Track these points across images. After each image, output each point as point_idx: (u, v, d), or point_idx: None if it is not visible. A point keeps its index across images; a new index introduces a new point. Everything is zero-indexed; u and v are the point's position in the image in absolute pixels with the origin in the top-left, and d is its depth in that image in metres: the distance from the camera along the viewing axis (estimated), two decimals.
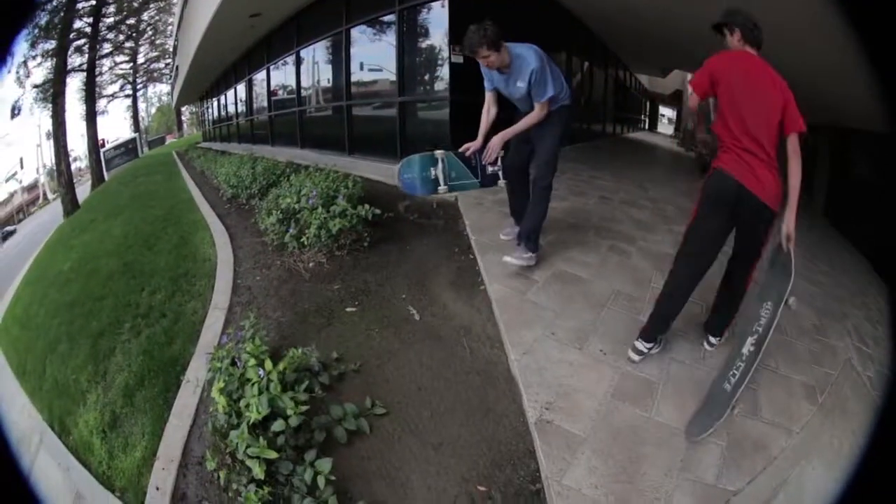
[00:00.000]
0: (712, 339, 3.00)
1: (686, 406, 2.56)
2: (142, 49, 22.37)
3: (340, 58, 8.52)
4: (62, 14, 15.78)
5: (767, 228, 2.61)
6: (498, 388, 2.77)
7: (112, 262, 7.09)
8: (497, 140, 3.51)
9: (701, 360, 2.94)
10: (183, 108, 28.19)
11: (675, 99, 22.84)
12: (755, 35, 2.60)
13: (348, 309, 3.43)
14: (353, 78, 8.38)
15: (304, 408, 2.46)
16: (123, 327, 4.82)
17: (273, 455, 2.27)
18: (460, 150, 3.70)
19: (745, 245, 2.74)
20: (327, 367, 2.87)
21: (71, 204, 16.56)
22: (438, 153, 3.74)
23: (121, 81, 22.50)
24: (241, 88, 15.60)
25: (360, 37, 8.10)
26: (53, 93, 16.16)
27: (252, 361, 2.64)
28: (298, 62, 10.51)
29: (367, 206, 4.17)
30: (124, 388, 3.87)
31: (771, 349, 2.75)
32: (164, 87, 23.84)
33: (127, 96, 23.31)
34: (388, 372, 2.94)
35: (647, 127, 25.87)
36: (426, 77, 7.14)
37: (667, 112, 27.87)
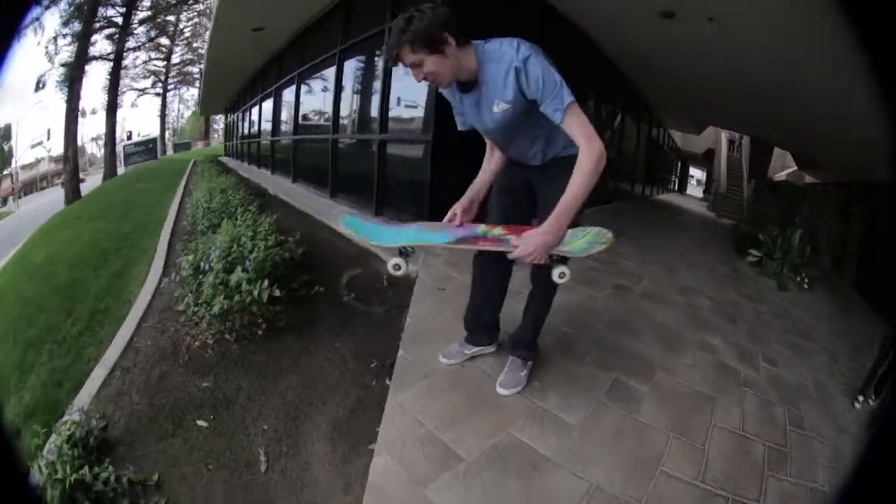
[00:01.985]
0: None
1: None
2: (177, 50, 22.78)
3: (331, 85, 7.91)
4: None
5: None
6: None
7: (65, 272, 7.41)
8: (539, 243, 1.98)
9: None
10: (217, 117, 28.73)
11: (707, 159, 22.25)
12: None
13: (199, 422, 2.61)
14: (343, 109, 7.66)
15: None
16: (44, 348, 5.02)
17: None
18: (445, 219, 2.34)
19: None
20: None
21: (73, 193, 16.57)
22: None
23: (152, 78, 22.86)
24: (254, 108, 15.48)
25: (353, 64, 7.45)
26: (70, 77, 16.26)
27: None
28: (298, 86, 9.97)
29: (264, 285, 3.11)
30: (24, 411, 4.02)
31: None
32: (196, 92, 24.23)
33: (157, 94, 23.63)
34: None
35: (676, 188, 25.24)
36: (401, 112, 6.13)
37: (696, 173, 27.34)
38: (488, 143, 2.44)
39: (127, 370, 3.24)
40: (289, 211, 7.18)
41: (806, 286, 6.40)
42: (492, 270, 2.56)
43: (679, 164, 25.61)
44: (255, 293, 3.05)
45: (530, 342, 2.59)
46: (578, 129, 1.94)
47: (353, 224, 2.47)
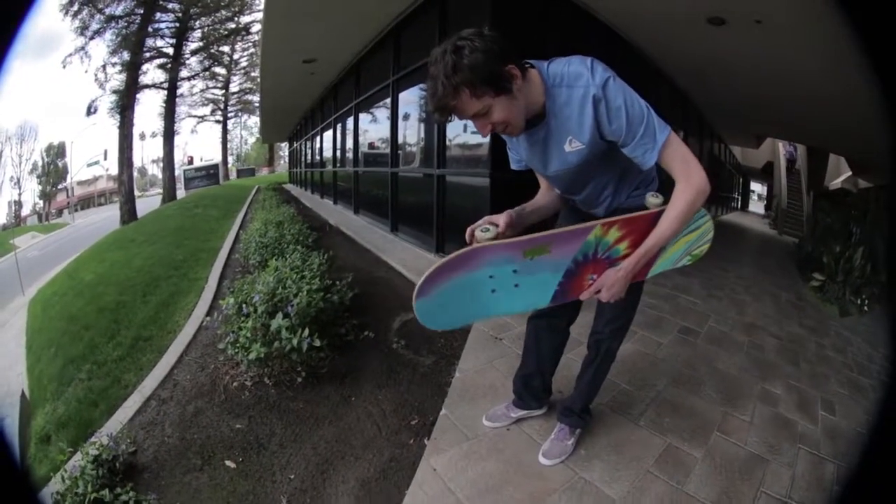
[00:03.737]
0: None
1: None
2: (235, 79, 24.10)
3: (387, 116, 8.10)
4: (136, 30, 17.12)
5: None
6: None
7: (113, 294, 8.12)
8: (621, 278, 1.79)
9: None
10: (282, 144, 30.06)
11: (766, 172, 21.55)
12: None
13: (227, 462, 2.71)
14: (400, 138, 7.84)
15: None
16: (84, 367, 5.46)
17: None
18: (474, 226, 1.81)
19: None
20: None
21: (128, 214, 17.73)
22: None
23: (211, 106, 24.21)
24: (316, 137, 16.08)
25: (406, 95, 7.61)
26: (121, 105, 17.51)
27: None
28: (356, 116, 10.35)
29: (304, 333, 3.12)
30: (56, 421, 4.43)
31: None
32: (258, 120, 25.47)
33: (217, 122, 24.98)
34: None
35: (739, 206, 24.52)
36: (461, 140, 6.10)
37: (756, 187, 26.44)
38: (542, 183, 2.16)
39: (163, 401, 3.43)
40: (349, 245, 7.41)
41: (866, 308, 6.23)
42: (547, 338, 2.50)
43: (740, 180, 24.91)
44: (294, 342, 3.10)
45: (582, 410, 2.51)
46: (677, 165, 1.67)
47: (427, 314, 1.77)
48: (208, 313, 4.96)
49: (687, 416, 2.93)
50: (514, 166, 2.08)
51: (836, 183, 16.40)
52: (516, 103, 1.63)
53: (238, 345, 3.27)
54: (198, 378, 3.66)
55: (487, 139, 4.88)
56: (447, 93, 1.55)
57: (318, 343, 3.14)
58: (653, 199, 1.85)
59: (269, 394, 3.22)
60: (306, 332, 3.14)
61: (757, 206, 25.72)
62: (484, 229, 1.75)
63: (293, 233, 6.44)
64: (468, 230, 1.78)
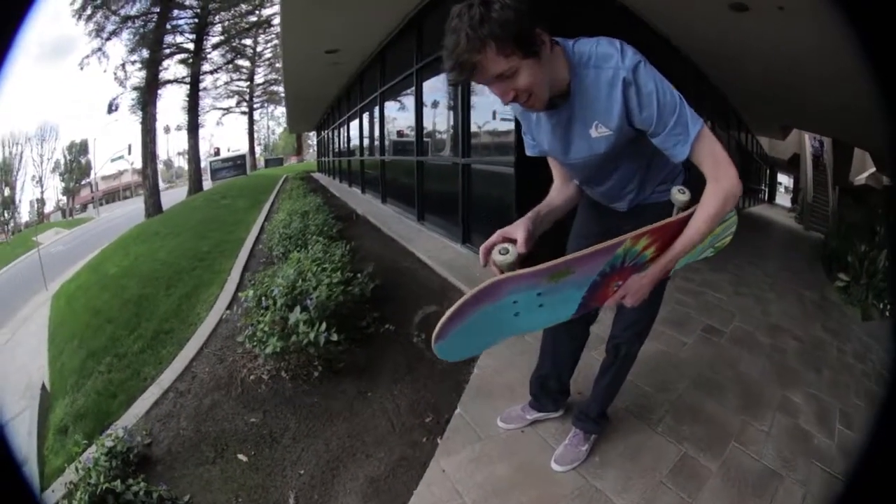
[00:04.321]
0: None
1: None
2: (259, 70, 24.35)
3: (412, 104, 8.11)
4: (154, 28, 17.36)
5: None
6: None
7: (136, 287, 8.31)
8: (646, 284, 1.68)
9: None
10: (310, 133, 30.38)
11: (793, 164, 21.15)
12: None
13: (240, 455, 2.77)
14: (426, 126, 7.83)
15: None
16: (105, 359, 5.61)
17: None
18: (489, 241, 1.58)
19: None
20: None
21: (153, 207, 18.06)
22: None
23: (236, 98, 24.52)
24: (343, 126, 16.24)
25: (431, 83, 7.59)
26: (143, 102, 17.81)
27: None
28: (382, 105, 10.39)
29: (322, 328, 3.11)
30: (75, 413, 4.67)
31: None
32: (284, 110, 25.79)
33: (243, 113, 25.30)
34: None
35: (766, 198, 24.17)
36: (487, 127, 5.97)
37: (783, 179, 26.02)
38: (558, 172, 1.99)
39: (181, 394, 3.52)
40: (374, 235, 7.42)
41: (888, 313, 6.03)
42: (565, 340, 2.43)
43: (767, 171, 24.50)
44: (312, 336, 3.10)
45: (598, 416, 2.43)
46: (708, 162, 1.55)
47: (447, 351, 1.59)
48: (229, 306, 5.03)
49: (705, 423, 2.86)
50: (529, 152, 1.93)
51: (860, 178, 16.03)
52: (544, 71, 1.47)
53: (255, 338, 3.29)
54: (216, 371, 3.70)
55: (512, 126, 4.83)
56: (472, 46, 1.36)
57: (335, 338, 3.14)
58: (680, 196, 1.73)
59: (285, 387, 3.24)
60: (324, 326, 3.14)
61: (783, 199, 25.26)
62: (503, 250, 1.51)
63: (317, 223, 6.44)
64: (482, 249, 1.55)
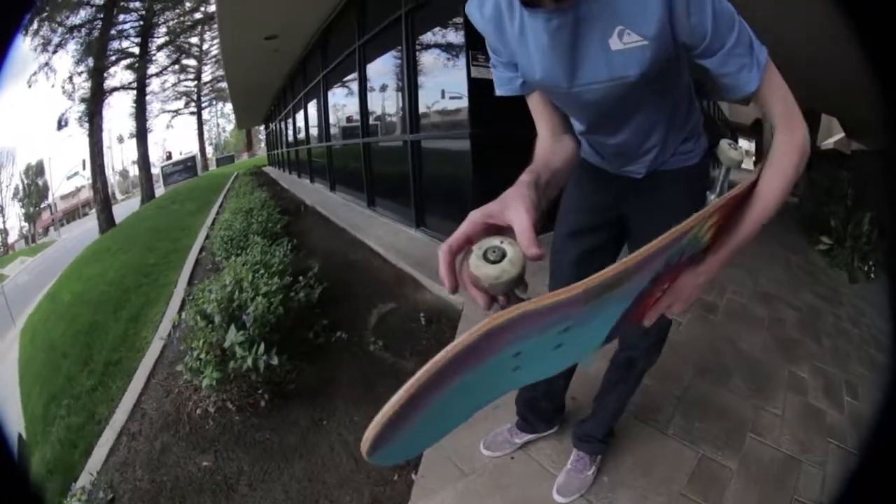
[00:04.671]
0: None
1: None
2: (206, 68, 23.73)
3: (356, 86, 7.86)
4: (98, 35, 16.68)
5: None
6: None
7: (88, 314, 7.59)
8: (700, 285, 1.05)
9: None
10: (260, 128, 29.88)
11: (755, 129, 21.82)
12: None
13: None
14: (374, 109, 7.61)
15: None
16: (63, 402, 5.08)
17: None
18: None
19: None
20: None
21: (106, 222, 17.46)
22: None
23: (184, 99, 23.89)
24: (289, 117, 16.18)
25: (374, 60, 7.37)
26: (89, 112, 17.14)
27: None
28: (325, 90, 10.19)
29: (260, 350, 2.72)
30: (45, 467, 4.14)
31: None
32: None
33: (192, 113, 24.65)
34: None
35: None
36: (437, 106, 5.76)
37: (744, 144, 27.04)
38: (548, 120, 1.22)
39: (133, 436, 3.15)
40: (323, 226, 7.16)
41: (872, 276, 6.22)
42: None
43: (729, 136, 25.14)
44: (250, 361, 2.70)
45: (605, 435, 2.06)
46: (780, 105, 1.04)
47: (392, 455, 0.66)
48: (175, 325, 4.63)
49: (718, 416, 2.59)
50: (500, 90, 1.24)
51: (828, 143, 16.55)
52: None
53: (191, 368, 2.90)
54: (163, 406, 3.35)
55: (465, 104, 4.64)
56: None
57: (275, 361, 2.76)
58: (733, 154, 1.20)
59: (233, 421, 2.87)
60: (262, 348, 2.76)
61: (747, 163, 25.84)
62: (492, 253, 0.67)
63: (261, 221, 6.08)
64: (444, 255, 0.69)
